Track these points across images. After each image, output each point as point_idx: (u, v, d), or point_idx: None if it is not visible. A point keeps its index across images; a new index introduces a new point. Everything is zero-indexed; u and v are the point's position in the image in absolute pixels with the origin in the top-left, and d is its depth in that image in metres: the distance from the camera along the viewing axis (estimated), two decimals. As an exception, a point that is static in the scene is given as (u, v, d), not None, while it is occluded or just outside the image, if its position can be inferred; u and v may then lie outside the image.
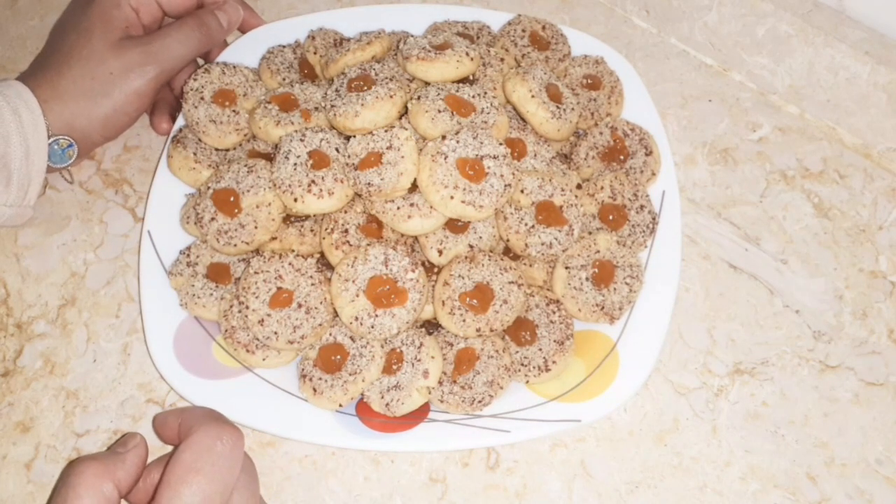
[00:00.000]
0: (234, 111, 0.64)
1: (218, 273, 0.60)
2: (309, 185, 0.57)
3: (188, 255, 0.61)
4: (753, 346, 0.62)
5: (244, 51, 0.70)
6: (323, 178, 0.57)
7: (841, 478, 0.57)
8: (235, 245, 0.58)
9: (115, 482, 0.44)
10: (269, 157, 0.63)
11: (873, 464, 0.58)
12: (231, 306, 0.58)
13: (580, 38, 0.71)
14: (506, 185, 0.57)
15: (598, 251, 0.60)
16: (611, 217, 0.62)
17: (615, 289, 0.59)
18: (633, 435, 0.59)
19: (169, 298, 0.60)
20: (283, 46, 0.70)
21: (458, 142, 0.56)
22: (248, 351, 0.57)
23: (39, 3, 0.82)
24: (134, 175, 0.70)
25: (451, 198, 0.55)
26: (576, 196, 0.60)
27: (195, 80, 0.65)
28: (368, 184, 0.56)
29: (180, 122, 0.67)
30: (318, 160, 0.58)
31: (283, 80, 0.67)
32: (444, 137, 0.57)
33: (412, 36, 0.64)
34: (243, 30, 0.73)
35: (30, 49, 0.78)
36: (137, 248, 0.66)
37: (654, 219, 0.62)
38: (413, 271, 0.56)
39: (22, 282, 0.65)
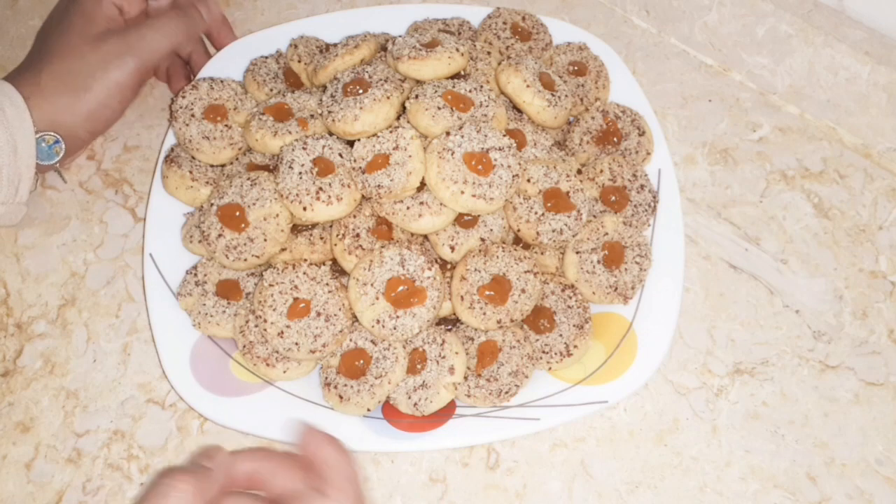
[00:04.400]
0: (226, 126, 0.64)
1: (228, 290, 0.59)
2: (317, 193, 0.57)
3: (196, 275, 0.60)
4: (753, 346, 0.62)
5: (225, 65, 0.70)
6: (330, 184, 0.57)
7: (841, 478, 0.57)
8: (246, 260, 0.58)
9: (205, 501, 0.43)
10: (270, 169, 0.62)
11: (873, 464, 0.58)
12: (247, 321, 0.58)
13: (558, 25, 0.72)
14: (514, 176, 0.57)
15: (607, 233, 0.60)
16: (613, 199, 0.62)
17: (626, 269, 0.60)
18: (633, 435, 0.59)
19: (179, 320, 0.59)
20: (266, 57, 0.69)
21: (462, 136, 0.57)
22: (267, 365, 0.57)
23: (39, 3, 0.82)
24: (134, 175, 0.70)
25: (462, 193, 0.55)
26: (580, 181, 0.61)
27: (183, 97, 0.64)
28: (378, 186, 0.56)
29: (171, 141, 0.66)
30: (324, 167, 0.58)
31: (271, 90, 0.66)
32: (448, 133, 0.57)
33: (396, 37, 0.64)
34: (217, 46, 0.73)
35: (29, 49, 0.77)
36: (137, 248, 0.66)
37: (654, 197, 0.64)
38: (429, 269, 0.56)
39: (22, 282, 0.65)
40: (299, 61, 0.68)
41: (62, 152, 0.64)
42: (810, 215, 0.68)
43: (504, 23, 0.70)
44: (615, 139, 0.66)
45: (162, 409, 0.60)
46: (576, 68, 0.69)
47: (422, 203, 0.57)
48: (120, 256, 0.66)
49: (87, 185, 0.70)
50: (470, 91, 0.60)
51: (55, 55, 0.64)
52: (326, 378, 0.56)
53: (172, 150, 0.65)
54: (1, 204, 0.62)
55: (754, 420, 0.59)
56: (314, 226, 0.61)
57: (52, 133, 0.63)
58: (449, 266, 0.60)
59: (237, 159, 0.64)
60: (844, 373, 0.61)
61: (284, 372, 0.57)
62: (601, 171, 0.63)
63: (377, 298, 0.56)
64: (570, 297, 0.59)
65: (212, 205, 0.59)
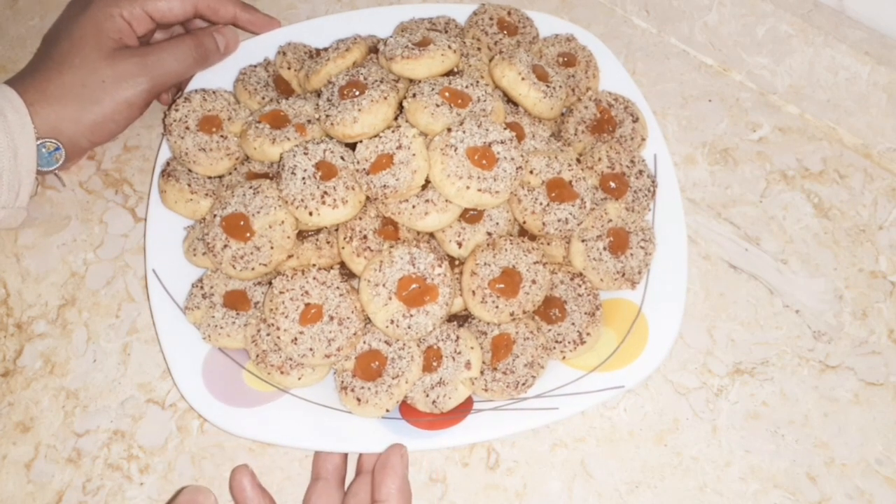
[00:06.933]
0: (221, 136, 0.63)
1: (236, 300, 0.59)
2: (322, 197, 0.57)
3: (202, 287, 0.59)
4: (753, 346, 0.62)
5: (213, 75, 0.69)
6: (334, 187, 0.57)
7: (841, 478, 0.57)
8: (253, 269, 0.58)
9: None
10: (271, 177, 0.62)
11: (873, 464, 0.58)
12: (258, 331, 0.57)
13: (543, 18, 0.72)
14: (517, 168, 0.57)
15: (610, 220, 0.61)
16: (612, 185, 0.63)
17: (632, 254, 0.60)
18: (633, 435, 0.59)
19: (188, 334, 0.59)
20: (255, 66, 0.69)
21: (464, 132, 0.57)
22: (282, 373, 0.56)
23: (39, 3, 0.82)
24: (134, 175, 0.70)
25: (467, 188, 0.56)
26: (581, 170, 0.61)
27: (177, 110, 0.64)
28: (384, 186, 0.56)
29: (166, 154, 0.66)
30: (327, 171, 0.57)
31: (263, 98, 0.66)
32: (449, 130, 0.57)
33: (386, 38, 0.64)
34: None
35: (30, 49, 0.78)
36: (137, 248, 0.66)
37: (653, 182, 0.64)
38: (440, 266, 0.56)
39: (22, 282, 0.65)
40: (289, 68, 0.68)
41: (62, 159, 0.64)
42: (810, 215, 0.68)
43: (490, 18, 0.70)
44: (610, 127, 0.66)
45: (162, 409, 0.60)
46: (565, 59, 0.69)
47: (427, 201, 0.57)
48: (120, 256, 0.66)
49: (87, 185, 0.70)
50: (466, 87, 0.60)
51: (65, 64, 0.64)
52: (342, 382, 0.56)
53: (168, 164, 0.64)
54: (1, 208, 0.62)
55: (754, 420, 0.59)
56: (319, 231, 0.61)
57: (53, 140, 0.63)
58: (457, 262, 0.60)
59: (235, 169, 0.64)
60: (844, 373, 0.61)
61: (299, 379, 0.56)
62: (599, 159, 0.64)
63: (389, 298, 0.55)
64: (580, 286, 0.60)
65: (215, 216, 0.59)
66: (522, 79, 0.62)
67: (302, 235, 0.60)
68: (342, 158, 0.58)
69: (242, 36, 0.72)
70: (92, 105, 0.64)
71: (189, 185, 0.62)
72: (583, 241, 0.60)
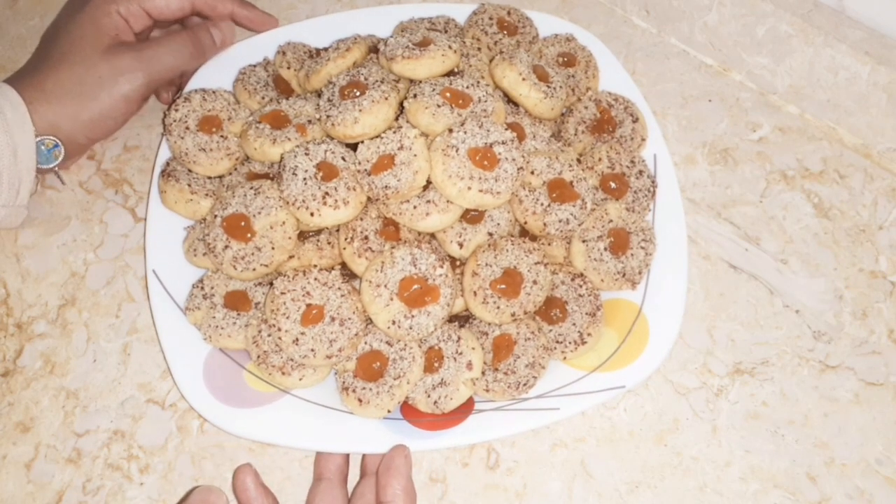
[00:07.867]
0: (221, 136, 0.63)
1: (236, 301, 0.58)
2: (323, 198, 0.56)
3: (202, 288, 0.59)
4: (753, 346, 0.62)
5: (212, 75, 0.69)
6: (336, 188, 0.57)
7: (841, 478, 0.57)
8: (254, 269, 0.57)
9: None
10: (272, 177, 0.62)
11: (873, 464, 0.58)
12: (259, 331, 0.57)
13: (543, 18, 0.73)
14: (519, 169, 0.57)
15: (611, 220, 0.61)
16: (613, 186, 0.63)
17: (632, 254, 0.60)
18: (633, 435, 0.59)
19: (189, 335, 0.58)
20: (254, 65, 0.69)
21: (465, 133, 0.57)
22: (283, 373, 0.56)
23: (39, 3, 0.82)
24: (134, 175, 0.70)
25: (469, 189, 0.56)
26: (582, 170, 0.61)
27: (177, 110, 0.64)
28: (385, 187, 0.56)
29: (166, 154, 0.65)
30: (328, 171, 0.57)
31: (262, 98, 0.66)
32: (451, 130, 0.57)
33: (386, 38, 0.64)
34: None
35: (30, 49, 0.77)
36: (137, 248, 0.66)
37: (653, 182, 0.64)
38: (441, 266, 0.56)
39: (22, 282, 0.65)
40: (289, 68, 0.68)
41: (61, 156, 0.64)
42: (810, 215, 0.68)
43: (490, 18, 0.70)
44: (610, 127, 0.66)
45: (162, 409, 0.60)
46: (565, 59, 0.70)
47: (428, 201, 0.57)
48: (120, 256, 0.66)
49: (87, 185, 0.70)
50: (467, 87, 0.60)
51: (63, 61, 0.64)
52: (344, 382, 0.56)
53: (168, 164, 0.64)
54: (2, 207, 0.62)
55: (754, 420, 0.59)
56: (320, 231, 0.60)
57: (52, 137, 0.63)
58: (458, 263, 0.60)
59: (235, 169, 0.64)
60: (844, 373, 0.61)
61: (300, 379, 0.56)
62: (599, 159, 0.64)
63: (391, 299, 0.55)
64: (581, 286, 0.60)
65: (216, 216, 0.59)
66: (523, 79, 0.62)
67: (303, 236, 0.60)
68: (343, 159, 0.58)
69: (241, 34, 0.72)
70: (89, 102, 0.64)
71: (189, 186, 0.62)
72: (583, 241, 0.60)
